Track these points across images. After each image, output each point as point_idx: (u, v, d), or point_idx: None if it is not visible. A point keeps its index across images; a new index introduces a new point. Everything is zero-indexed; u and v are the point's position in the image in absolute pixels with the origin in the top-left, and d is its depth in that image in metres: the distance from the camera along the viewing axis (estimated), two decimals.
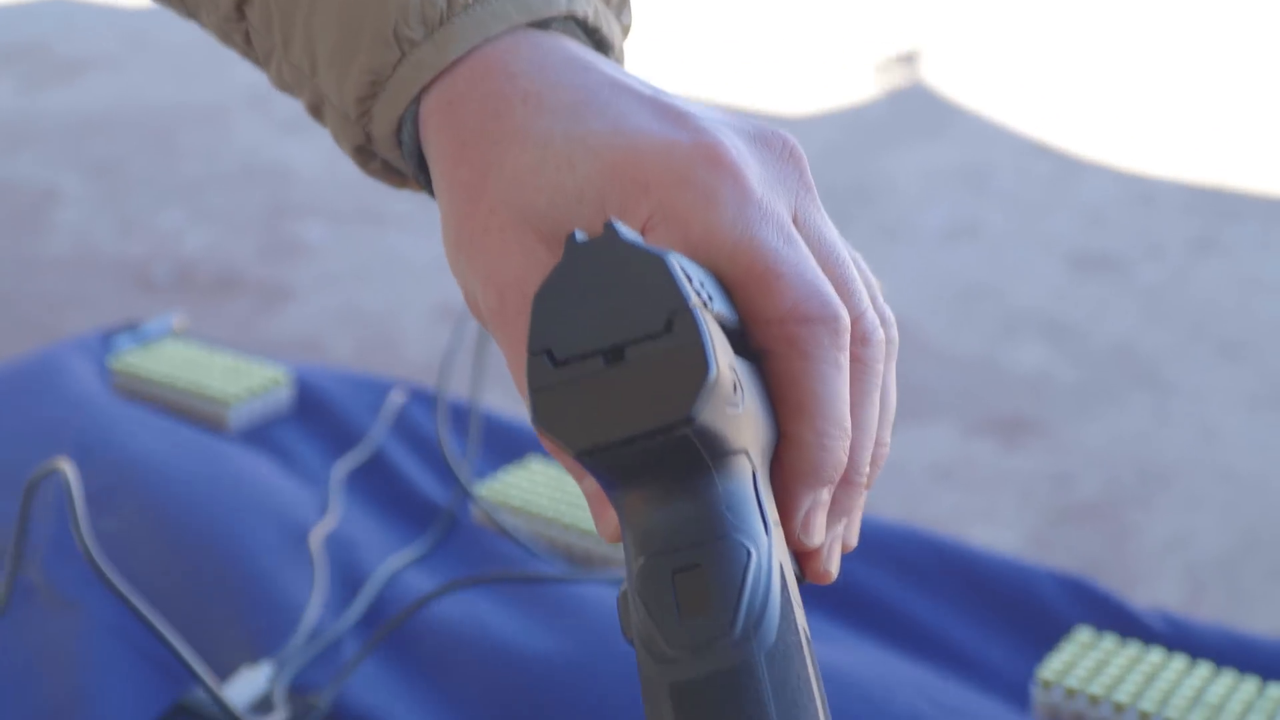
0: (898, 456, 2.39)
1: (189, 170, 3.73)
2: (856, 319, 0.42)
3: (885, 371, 0.44)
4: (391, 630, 0.78)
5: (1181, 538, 2.19)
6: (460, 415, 1.00)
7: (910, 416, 2.52)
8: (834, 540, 0.43)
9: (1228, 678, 0.73)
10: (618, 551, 0.85)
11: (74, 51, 4.66)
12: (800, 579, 0.42)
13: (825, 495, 0.42)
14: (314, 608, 0.80)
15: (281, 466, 0.96)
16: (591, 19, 0.48)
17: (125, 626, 0.78)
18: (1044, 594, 0.83)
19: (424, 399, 1.03)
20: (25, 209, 3.48)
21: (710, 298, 0.38)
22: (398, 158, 0.48)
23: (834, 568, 0.43)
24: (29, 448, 0.93)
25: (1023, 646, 0.80)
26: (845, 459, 0.41)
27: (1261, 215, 3.42)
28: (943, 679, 0.76)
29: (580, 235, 0.37)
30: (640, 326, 0.36)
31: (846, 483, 0.43)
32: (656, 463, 0.37)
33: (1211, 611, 2.03)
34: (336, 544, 0.87)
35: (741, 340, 0.40)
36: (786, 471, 0.41)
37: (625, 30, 0.51)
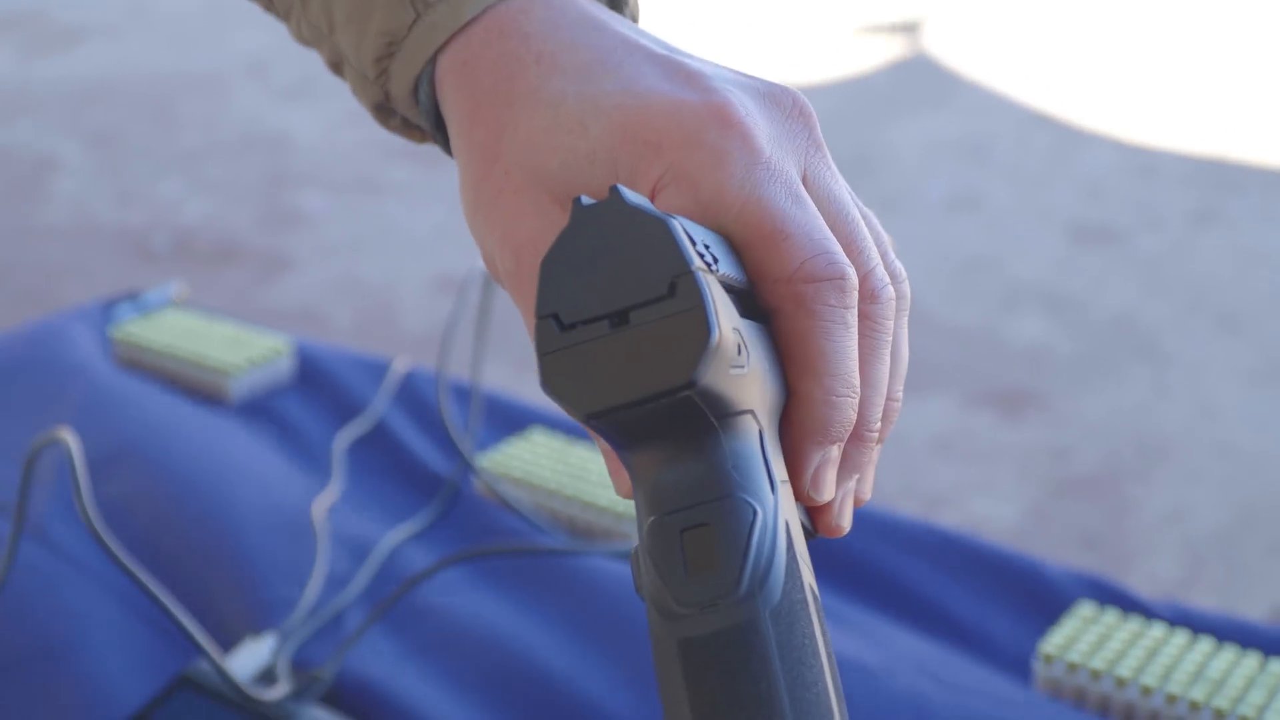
0: (896, 429, 2.39)
1: (188, 139, 3.72)
2: (865, 276, 0.42)
3: (896, 327, 0.44)
4: (394, 603, 0.78)
5: (1180, 511, 2.19)
6: (462, 387, 1.00)
7: (909, 389, 2.50)
8: (846, 495, 0.44)
9: (1229, 653, 0.73)
10: (619, 524, 0.85)
11: (73, 19, 4.64)
12: (812, 534, 0.43)
13: (835, 452, 0.42)
14: (317, 580, 0.80)
15: (283, 438, 0.96)
16: None
17: (128, 598, 0.78)
18: (1046, 569, 0.83)
19: (426, 369, 1.03)
20: (23, 177, 3.47)
21: (716, 260, 0.38)
22: (416, 115, 0.49)
23: (846, 522, 0.44)
24: (30, 417, 0.93)
25: (1024, 621, 0.80)
26: (854, 416, 0.41)
27: (1262, 187, 3.41)
28: (945, 654, 0.76)
29: (586, 200, 0.38)
30: (644, 290, 0.37)
31: (857, 439, 0.43)
32: (663, 424, 0.37)
33: (1209, 586, 2.03)
34: (339, 516, 0.87)
35: (750, 300, 0.41)
36: (795, 429, 0.41)
37: None
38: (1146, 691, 0.71)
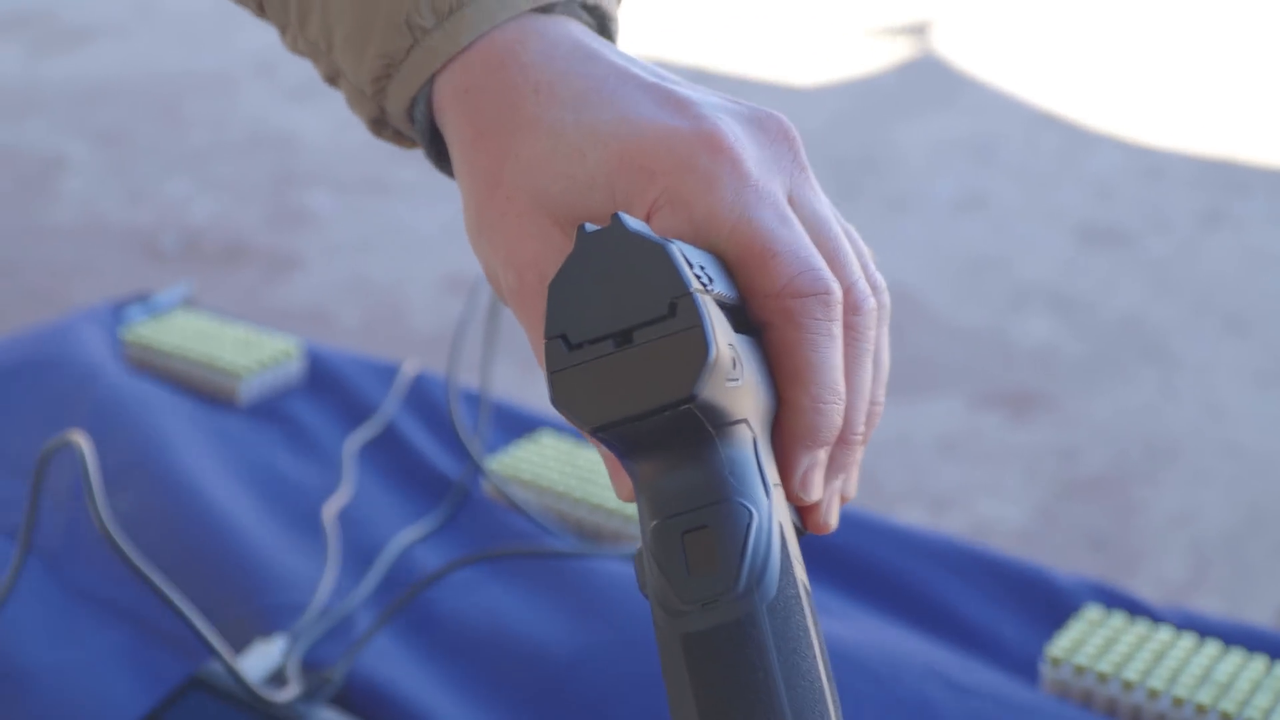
0: (904, 429, 2.39)
1: (196, 139, 3.72)
2: (848, 289, 0.45)
3: (878, 336, 0.47)
4: (404, 605, 0.79)
5: (1187, 513, 2.19)
6: (471, 390, 1.00)
7: (917, 389, 2.52)
8: (832, 494, 0.47)
9: (1235, 656, 0.73)
10: (627, 527, 0.85)
11: (81, 18, 4.65)
12: (802, 531, 0.46)
13: (822, 455, 0.45)
14: (327, 582, 0.81)
15: (292, 439, 0.96)
16: None
17: (140, 599, 0.78)
18: (1053, 573, 0.83)
19: (435, 372, 1.03)
20: (32, 177, 3.48)
21: (711, 280, 0.41)
22: (410, 131, 0.51)
23: (833, 519, 0.47)
24: (42, 419, 0.93)
25: (1032, 624, 0.80)
26: (840, 422, 0.44)
27: (1270, 188, 3.41)
28: (952, 656, 0.77)
29: (590, 227, 0.41)
30: (646, 311, 0.39)
31: (843, 442, 0.46)
32: (665, 435, 0.40)
33: (1216, 587, 2.03)
34: (349, 518, 0.87)
35: (741, 314, 0.44)
36: (786, 435, 0.44)
37: None
38: (1153, 694, 0.71)
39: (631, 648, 0.75)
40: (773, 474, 0.43)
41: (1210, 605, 1.95)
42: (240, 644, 0.76)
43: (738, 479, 0.41)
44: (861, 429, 0.46)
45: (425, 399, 1.00)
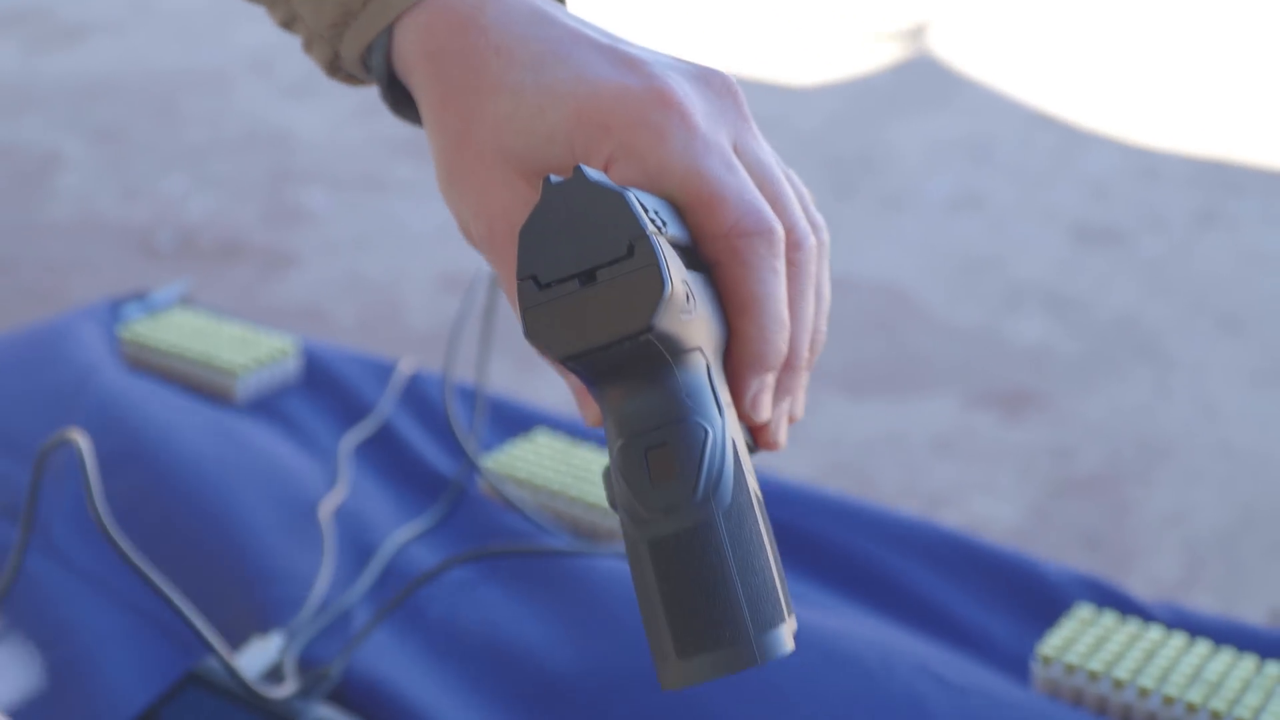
0: (898, 428, 2.40)
1: (192, 136, 3.72)
2: (790, 228, 0.49)
3: (819, 271, 0.51)
4: (400, 602, 0.79)
5: (1181, 512, 2.19)
6: (467, 388, 1.00)
7: (911, 388, 2.52)
8: (780, 415, 0.52)
9: (1226, 655, 0.74)
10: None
11: (77, 15, 4.65)
12: (754, 449, 0.51)
13: (770, 379, 0.49)
14: (323, 579, 0.81)
15: (289, 438, 0.96)
16: None
17: (137, 595, 0.79)
18: (1045, 570, 0.83)
19: (431, 371, 1.03)
20: (28, 173, 3.48)
21: (664, 223, 0.45)
22: (364, 76, 0.56)
23: (782, 438, 0.52)
24: (39, 416, 0.94)
25: (1023, 622, 0.80)
26: (785, 349, 0.49)
27: (1264, 189, 3.41)
28: (944, 654, 0.77)
29: (554, 178, 0.44)
30: (607, 252, 0.43)
31: (788, 367, 0.50)
32: (627, 363, 0.44)
33: (1209, 587, 2.04)
34: (345, 516, 0.88)
35: (693, 254, 0.48)
36: (736, 361, 0.48)
37: None
38: (1144, 693, 0.72)
39: (626, 645, 0.75)
40: (726, 397, 0.47)
41: (1203, 605, 1.95)
42: (237, 641, 0.77)
43: (694, 400, 0.45)
44: (805, 355, 0.51)
45: (421, 397, 1.01)
